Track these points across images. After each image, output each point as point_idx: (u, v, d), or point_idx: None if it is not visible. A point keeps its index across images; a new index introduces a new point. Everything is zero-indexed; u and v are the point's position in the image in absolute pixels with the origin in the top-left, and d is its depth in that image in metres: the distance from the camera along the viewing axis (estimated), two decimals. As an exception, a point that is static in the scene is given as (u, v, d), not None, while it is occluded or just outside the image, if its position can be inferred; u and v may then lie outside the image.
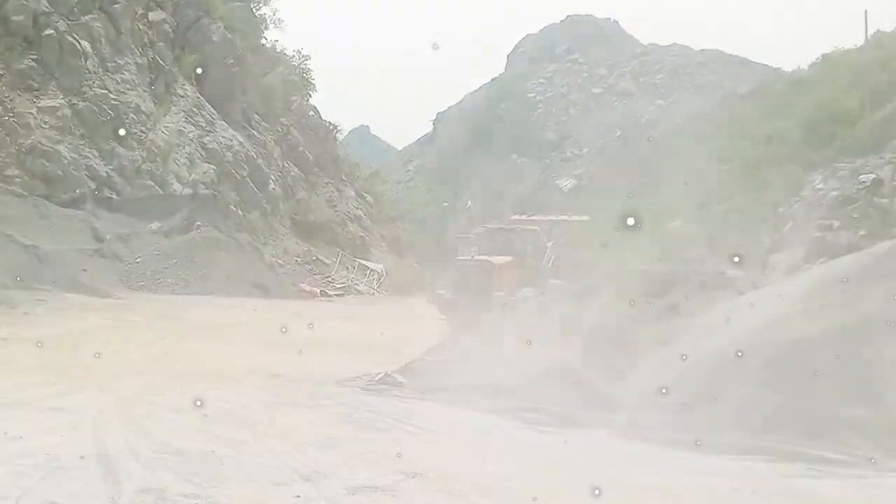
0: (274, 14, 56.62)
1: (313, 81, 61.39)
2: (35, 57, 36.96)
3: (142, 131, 40.08)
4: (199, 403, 11.29)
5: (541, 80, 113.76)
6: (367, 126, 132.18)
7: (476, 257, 24.12)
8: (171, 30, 46.07)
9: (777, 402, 9.16)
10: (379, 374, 13.34)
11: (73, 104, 37.24)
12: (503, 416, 10.68)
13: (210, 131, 44.71)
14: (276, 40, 58.81)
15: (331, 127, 63.41)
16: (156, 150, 40.28)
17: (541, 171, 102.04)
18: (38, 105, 36.13)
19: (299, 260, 45.74)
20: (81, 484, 7.10)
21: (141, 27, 43.05)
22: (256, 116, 52.05)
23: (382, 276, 47.92)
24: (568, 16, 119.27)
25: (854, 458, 8.40)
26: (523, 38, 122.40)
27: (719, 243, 37.64)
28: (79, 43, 38.17)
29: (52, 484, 7.08)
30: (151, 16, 44.49)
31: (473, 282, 22.56)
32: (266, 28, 56.60)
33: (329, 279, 44.64)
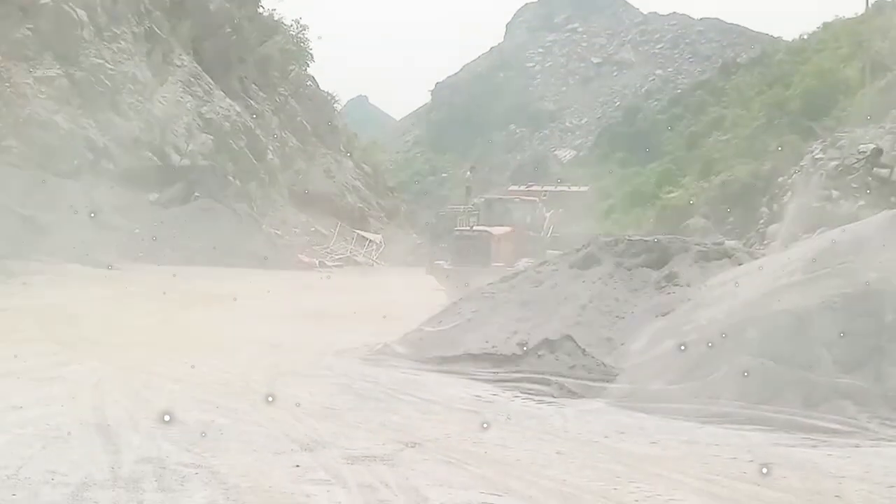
0: (271, -17, 56.29)
1: (311, 51, 61.21)
2: (31, 27, 36.74)
3: (139, 101, 39.91)
4: (197, 373, 11.33)
5: (540, 50, 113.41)
6: (366, 96, 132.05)
7: (475, 228, 24.12)
8: (167, -1, 45.81)
9: (775, 371, 9.18)
10: (378, 344, 13.36)
11: (70, 74, 37.06)
12: (501, 385, 10.71)
13: (208, 101, 44.55)
14: (274, 9, 58.52)
15: (329, 97, 63.24)
16: (153, 121, 40.14)
17: (539, 141, 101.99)
18: (35, 75, 35.96)
19: (298, 231, 45.77)
20: (81, 453, 7.13)
21: (137, -4, 42.77)
22: (254, 86, 51.87)
23: (381, 246, 47.95)
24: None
25: (851, 427, 8.44)
26: (523, 7, 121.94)
27: (718, 213, 37.74)
28: (75, 12, 37.93)
29: (51, 453, 7.10)
30: (148, -15, 44.19)
31: (472, 252, 22.57)
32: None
33: (328, 250, 44.66)
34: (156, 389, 10.17)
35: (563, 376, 10.55)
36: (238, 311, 19.58)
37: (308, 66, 61.35)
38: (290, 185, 49.95)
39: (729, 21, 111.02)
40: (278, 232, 43.37)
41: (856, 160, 28.09)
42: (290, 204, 48.42)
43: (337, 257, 43.67)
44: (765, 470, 7.21)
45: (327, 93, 63.18)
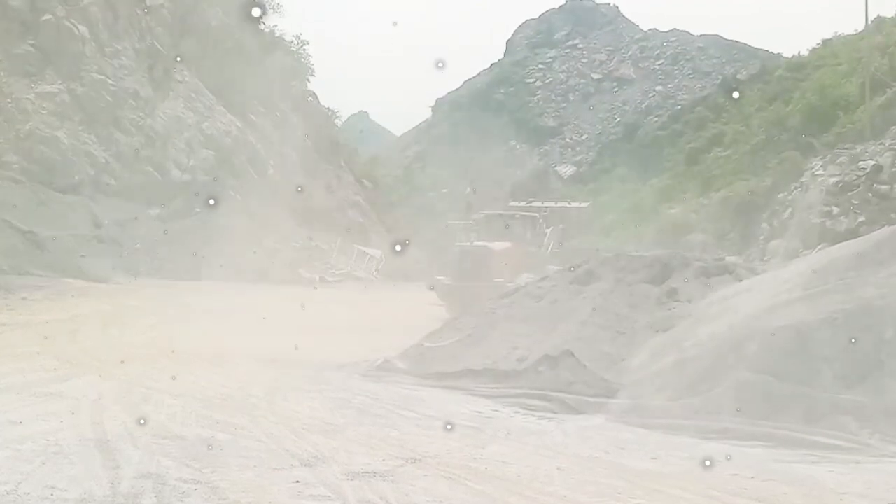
0: (273, -1, 56.42)
1: (312, 66, 61.36)
2: (33, 42, 36.85)
3: (140, 117, 40.00)
4: (197, 387, 11.32)
5: (540, 66, 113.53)
6: (367, 112, 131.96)
7: (475, 243, 24.14)
8: (169, 15, 45.92)
9: (775, 387, 9.18)
10: (378, 359, 13.35)
11: (72, 90, 37.14)
12: (502, 401, 10.70)
13: (209, 117, 44.64)
14: (275, 25, 58.66)
15: (330, 112, 63.35)
16: (154, 136, 40.22)
17: (540, 157, 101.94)
18: (37, 90, 36.04)
19: (298, 246, 45.72)
20: (81, 469, 7.12)
21: (139, 12, 42.89)
22: (255, 102, 51.95)
23: (381, 261, 47.90)
24: (568, 0, 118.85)
25: (852, 443, 8.43)
26: (523, 24, 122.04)
27: (718, 229, 37.70)
28: (77, 28, 38.04)
29: (51, 469, 7.10)
30: (149, 0, 44.31)
31: (472, 268, 22.56)
32: (265, 13, 56.42)
33: (328, 265, 44.63)
34: (155, 404, 10.16)
35: (564, 392, 10.54)
36: (238, 325, 19.57)
37: (309, 81, 61.60)
38: (290, 201, 49.97)
39: (729, 38, 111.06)
40: (278, 247, 43.35)
41: (856, 176, 28.12)
42: (291, 219, 48.43)
43: (337, 272, 43.64)
44: (765, 486, 7.20)
45: (328, 108, 63.36)
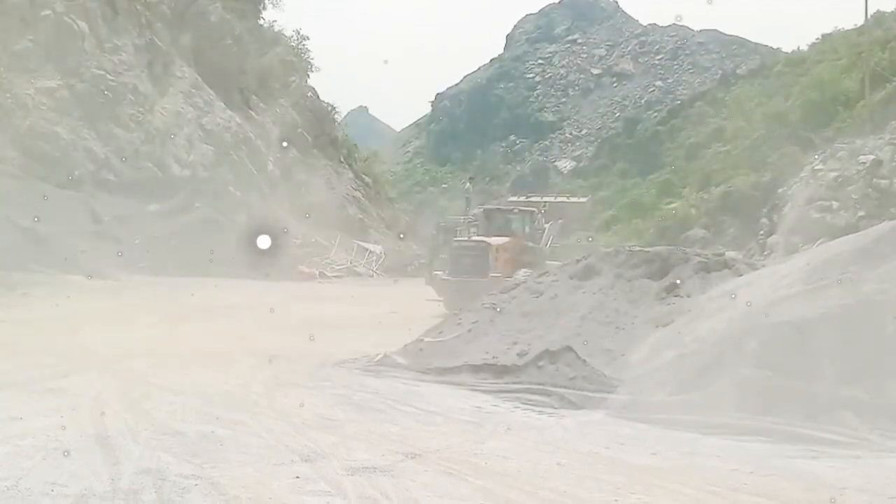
0: (272, -6, 56.41)
1: (312, 62, 61.30)
2: (32, 38, 36.82)
3: (140, 112, 39.98)
4: (197, 384, 11.32)
5: (540, 61, 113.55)
6: (366, 107, 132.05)
7: (474, 238, 24.11)
8: (168, 10, 45.88)
9: (775, 383, 9.18)
10: (378, 355, 13.34)
11: (71, 85, 37.13)
12: (501, 396, 10.70)
13: (208, 112, 44.60)
14: (275, 21, 58.66)
15: (329, 108, 63.28)
16: (154, 132, 40.20)
17: (539, 152, 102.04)
18: (36, 86, 36.01)
19: (298, 242, 45.72)
20: (81, 465, 7.13)
21: (138, 8, 42.87)
22: (255, 97, 51.93)
23: (381, 257, 47.93)
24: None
25: (851, 438, 8.43)
26: (522, 19, 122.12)
27: (718, 224, 37.68)
28: (76, 24, 38.02)
29: (52, 465, 7.11)
30: (149, -4, 44.30)
31: (470, 263, 22.54)
32: (264, 8, 56.41)
33: (328, 261, 44.63)
34: (156, 401, 10.16)
35: (564, 387, 10.53)
36: (238, 321, 19.58)
37: (308, 77, 61.54)
38: (290, 197, 49.97)
39: (728, 32, 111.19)
40: (278, 242, 43.33)
41: (856, 171, 28.10)
42: (291, 215, 48.42)
43: (337, 268, 43.66)
44: (765, 482, 7.20)
45: (328, 104, 63.29)
